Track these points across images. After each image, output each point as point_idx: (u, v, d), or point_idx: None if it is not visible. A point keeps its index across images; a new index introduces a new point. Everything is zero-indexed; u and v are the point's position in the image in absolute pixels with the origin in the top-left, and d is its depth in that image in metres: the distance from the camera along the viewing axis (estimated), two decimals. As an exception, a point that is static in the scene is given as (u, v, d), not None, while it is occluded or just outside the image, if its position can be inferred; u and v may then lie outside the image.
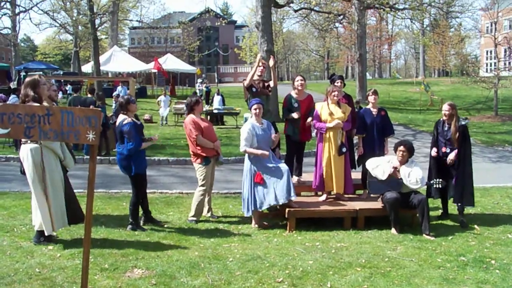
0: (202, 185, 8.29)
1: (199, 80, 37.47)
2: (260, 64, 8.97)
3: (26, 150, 6.49)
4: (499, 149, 18.44)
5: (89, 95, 15.83)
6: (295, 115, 8.69)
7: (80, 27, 37.67)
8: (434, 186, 8.02)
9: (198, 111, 8.34)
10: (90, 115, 4.49)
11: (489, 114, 28.08)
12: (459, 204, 8.28)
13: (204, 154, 8.14)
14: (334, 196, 8.61)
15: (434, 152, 8.46)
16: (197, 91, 34.18)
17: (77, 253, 6.35)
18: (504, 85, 28.40)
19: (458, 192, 8.23)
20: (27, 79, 6.74)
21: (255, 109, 7.98)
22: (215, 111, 23.81)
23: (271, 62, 9.06)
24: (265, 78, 9.31)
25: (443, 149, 8.37)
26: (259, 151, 7.86)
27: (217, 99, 26.14)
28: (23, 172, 6.82)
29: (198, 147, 8.12)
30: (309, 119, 8.66)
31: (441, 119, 8.55)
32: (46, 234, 6.68)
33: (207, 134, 8.16)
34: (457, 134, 8.19)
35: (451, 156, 8.25)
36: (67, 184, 6.93)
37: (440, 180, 8.04)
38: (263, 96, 8.70)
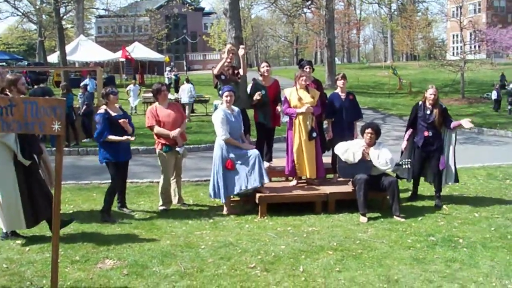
0: (163, 172, 8.26)
1: (168, 68, 37.17)
2: (230, 55, 8.92)
3: None
4: (466, 131, 18.64)
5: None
6: (256, 95, 8.68)
7: (44, 16, 36.99)
8: (404, 166, 8.10)
9: (162, 99, 8.24)
10: (54, 105, 4.42)
11: (456, 96, 28.49)
12: (450, 183, 8.52)
13: (163, 141, 8.10)
14: (304, 181, 8.64)
15: (404, 146, 8.65)
16: (166, 79, 33.90)
17: (46, 246, 6.25)
18: (470, 68, 28.81)
19: (450, 173, 8.41)
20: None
21: (227, 96, 7.94)
22: (183, 102, 23.48)
23: (241, 52, 8.99)
24: (234, 64, 9.27)
25: (425, 133, 8.37)
26: (241, 143, 7.92)
27: (187, 87, 25.92)
28: None
29: (157, 134, 8.12)
30: (279, 107, 8.66)
31: (420, 102, 8.57)
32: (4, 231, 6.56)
33: (166, 123, 8.08)
34: (441, 117, 8.28)
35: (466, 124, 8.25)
36: (30, 179, 6.60)
37: (409, 160, 8.14)
38: (232, 83, 8.65)
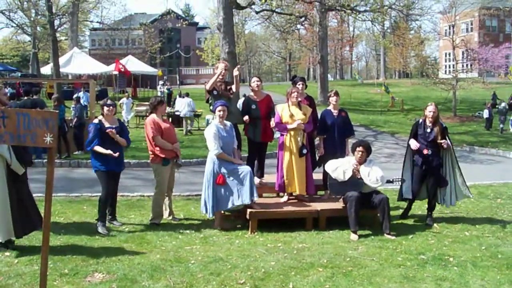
0: (159, 187, 8.25)
1: (161, 82, 37.18)
2: (222, 72, 8.93)
3: None
4: (458, 149, 18.79)
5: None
6: (245, 118, 8.75)
7: (38, 28, 37.01)
8: (395, 184, 8.13)
9: (161, 112, 8.28)
10: (47, 117, 4.41)
11: (448, 115, 28.66)
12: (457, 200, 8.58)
13: (162, 155, 8.08)
14: (295, 197, 8.63)
15: (414, 145, 8.42)
16: (159, 93, 33.87)
17: (35, 259, 6.20)
18: (462, 86, 29.07)
19: (459, 190, 8.47)
20: None
21: (220, 111, 7.95)
22: (177, 113, 23.54)
23: (236, 72, 8.94)
24: (227, 80, 9.28)
25: (425, 151, 8.31)
26: (233, 159, 7.92)
27: (182, 101, 25.90)
28: None
29: (157, 148, 8.06)
30: (272, 122, 8.66)
31: (420, 120, 8.56)
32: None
33: (167, 135, 8.10)
34: (441, 136, 8.27)
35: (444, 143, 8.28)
36: (21, 190, 6.64)
37: (400, 178, 8.17)
38: (225, 99, 8.65)
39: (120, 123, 8.06)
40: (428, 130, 8.37)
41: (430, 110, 8.38)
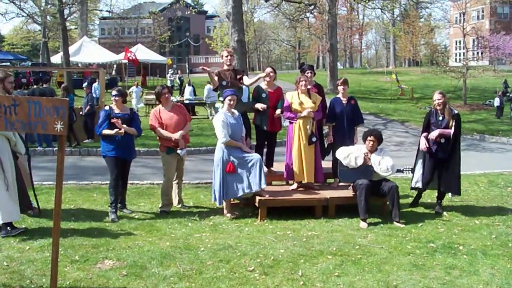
0: (166, 174, 8.29)
1: (170, 71, 37.15)
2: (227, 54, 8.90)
3: None
4: (468, 137, 18.74)
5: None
6: (258, 105, 8.67)
7: (48, 17, 37.08)
8: (405, 173, 8.12)
9: (164, 102, 8.27)
10: (57, 105, 4.42)
11: (458, 103, 28.49)
12: (449, 194, 8.43)
13: (166, 144, 8.15)
14: (305, 185, 8.64)
15: (424, 145, 8.40)
16: (169, 81, 33.82)
17: (46, 245, 6.27)
18: (472, 74, 28.84)
19: (449, 181, 8.34)
20: None
21: (230, 100, 7.96)
22: (186, 102, 23.65)
23: (262, 74, 8.81)
24: (237, 67, 9.25)
25: (437, 139, 8.31)
26: (242, 144, 7.94)
27: (188, 90, 25.96)
28: None
29: (160, 136, 8.17)
30: (278, 111, 8.63)
31: (433, 109, 8.51)
32: (9, 221, 6.64)
33: (168, 125, 8.12)
34: (452, 122, 8.20)
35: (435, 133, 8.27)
36: (17, 171, 6.85)
37: (410, 167, 8.15)
38: (235, 88, 8.60)
39: (131, 111, 8.07)
40: (440, 118, 8.31)
41: (435, 98, 8.33)
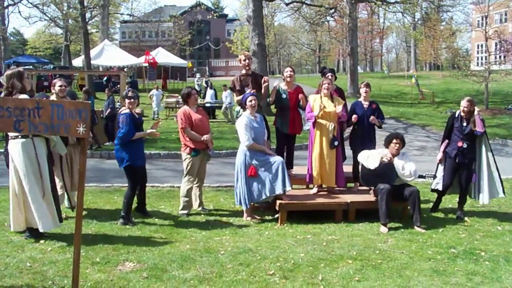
0: (187, 176, 8.31)
1: (198, 75, 37.12)
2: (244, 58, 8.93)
3: (17, 145, 6.37)
4: (490, 142, 18.47)
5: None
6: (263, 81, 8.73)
7: (70, 21, 37.46)
8: (427, 178, 8.06)
9: (192, 103, 8.31)
10: (80, 108, 4.47)
11: (480, 107, 27.87)
12: (481, 200, 8.33)
13: (193, 146, 8.15)
14: (325, 189, 8.62)
15: (439, 157, 8.45)
16: (196, 85, 33.76)
17: (68, 246, 6.33)
18: (494, 78, 28.52)
19: (486, 187, 8.26)
20: (9, 71, 6.67)
21: (250, 101, 7.97)
22: (207, 105, 23.76)
23: (264, 84, 8.77)
24: (256, 71, 9.26)
25: (459, 143, 8.24)
26: (265, 148, 7.96)
27: (209, 93, 26.07)
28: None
29: (187, 139, 8.15)
30: (302, 95, 8.67)
31: (457, 113, 8.44)
32: (41, 230, 6.59)
33: (197, 126, 8.15)
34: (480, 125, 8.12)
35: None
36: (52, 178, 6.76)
37: (432, 173, 8.09)
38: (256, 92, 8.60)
39: (142, 115, 8.09)
40: (464, 123, 8.26)
41: (463, 104, 8.30)
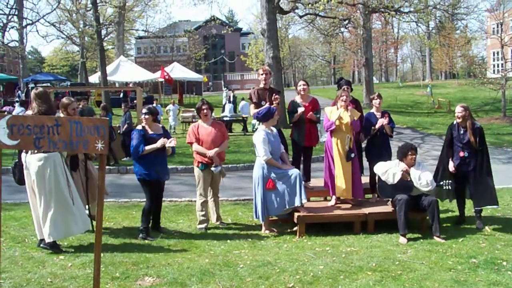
0: (198, 190, 8.36)
1: (225, 89, 36.85)
2: (262, 73, 8.99)
3: (44, 159, 6.60)
4: (509, 150, 18.36)
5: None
6: (300, 109, 8.71)
7: (86, 38, 37.95)
8: (444, 187, 7.99)
9: (203, 117, 8.35)
10: (98, 124, 4.52)
11: (497, 115, 27.97)
12: (479, 207, 8.21)
13: (199, 159, 8.22)
14: (343, 200, 8.60)
15: (452, 167, 8.31)
16: (224, 99, 33.35)
17: (88, 262, 6.37)
18: (511, 86, 28.28)
19: (478, 195, 8.16)
20: (38, 90, 6.88)
21: (277, 115, 8.09)
22: (225, 119, 23.84)
23: (276, 101, 8.78)
24: (273, 86, 9.29)
25: (461, 154, 8.19)
26: (281, 165, 7.96)
27: (228, 107, 26.13)
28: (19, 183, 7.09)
29: (196, 152, 8.27)
30: (311, 113, 8.73)
31: (455, 122, 8.40)
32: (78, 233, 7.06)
33: (205, 141, 8.20)
34: (474, 137, 8.06)
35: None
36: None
37: (450, 181, 8.01)
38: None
39: (164, 130, 8.08)
40: (462, 131, 8.22)
41: (457, 111, 8.25)
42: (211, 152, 8.12)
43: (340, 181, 8.27)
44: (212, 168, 8.22)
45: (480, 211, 8.30)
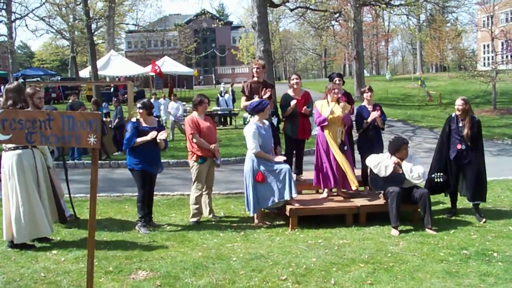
0: (195, 183, 8.35)
1: (223, 83, 36.62)
2: (255, 67, 8.99)
3: (15, 156, 6.58)
4: (499, 142, 18.47)
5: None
6: (292, 102, 8.73)
7: (76, 33, 37.66)
8: (436, 180, 8.02)
9: (201, 111, 8.36)
10: (90, 119, 4.51)
11: (488, 108, 28.09)
12: (474, 201, 8.25)
13: (200, 154, 8.19)
14: (335, 193, 8.63)
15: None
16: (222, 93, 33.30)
17: (81, 256, 6.38)
18: (502, 78, 28.41)
19: (472, 189, 8.18)
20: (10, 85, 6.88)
21: (268, 109, 8.07)
22: (219, 112, 23.89)
23: (267, 94, 8.79)
24: (266, 79, 9.29)
25: (458, 146, 8.16)
26: (271, 157, 7.97)
27: (222, 100, 26.16)
28: None
29: (195, 146, 8.19)
30: (305, 107, 8.73)
31: (453, 114, 8.40)
32: (42, 236, 6.87)
33: (206, 134, 8.20)
34: (471, 130, 8.06)
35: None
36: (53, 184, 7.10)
37: (441, 174, 8.05)
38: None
39: (158, 124, 8.10)
40: (461, 124, 8.21)
41: (457, 103, 8.22)
42: (214, 145, 8.24)
43: (334, 173, 8.28)
44: (217, 161, 8.39)
45: (478, 204, 8.32)
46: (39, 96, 7.41)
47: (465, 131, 8.11)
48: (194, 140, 8.16)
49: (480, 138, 8.29)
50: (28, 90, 7.41)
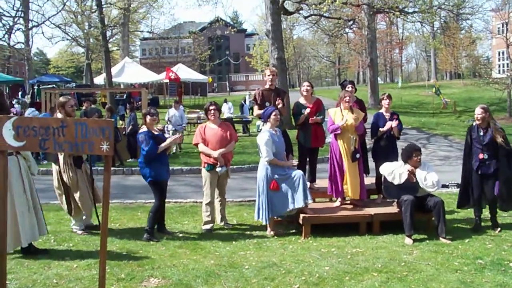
0: (205, 190, 8.36)
1: (248, 93, 36.42)
2: (269, 74, 8.98)
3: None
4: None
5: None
6: (306, 111, 8.72)
7: (91, 40, 37.91)
8: (450, 188, 7.94)
9: (210, 118, 8.36)
10: (103, 126, 4.52)
11: (503, 115, 27.87)
12: (506, 211, 8.13)
13: (206, 160, 8.24)
14: (348, 201, 8.58)
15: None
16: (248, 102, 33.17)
17: (93, 263, 6.38)
18: (517, 85, 28.18)
19: (503, 199, 7.99)
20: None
21: (275, 115, 8.01)
22: (235, 119, 23.97)
23: (279, 105, 8.73)
24: (278, 86, 9.29)
25: (480, 156, 7.95)
26: (285, 162, 7.95)
27: (225, 107, 26.16)
28: None
29: (202, 153, 8.29)
30: (317, 117, 8.71)
31: (474, 124, 8.23)
32: (24, 246, 6.70)
33: (210, 142, 8.21)
34: (500, 137, 7.87)
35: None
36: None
37: (456, 182, 7.96)
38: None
39: (162, 132, 8.15)
40: (481, 133, 8.04)
41: (477, 112, 8.05)
42: (215, 153, 8.14)
43: (347, 182, 8.25)
44: (217, 169, 8.21)
45: (495, 213, 8.11)
46: (71, 104, 7.63)
47: (489, 139, 7.90)
48: (199, 149, 8.31)
49: (509, 145, 8.01)
50: (61, 99, 7.67)
